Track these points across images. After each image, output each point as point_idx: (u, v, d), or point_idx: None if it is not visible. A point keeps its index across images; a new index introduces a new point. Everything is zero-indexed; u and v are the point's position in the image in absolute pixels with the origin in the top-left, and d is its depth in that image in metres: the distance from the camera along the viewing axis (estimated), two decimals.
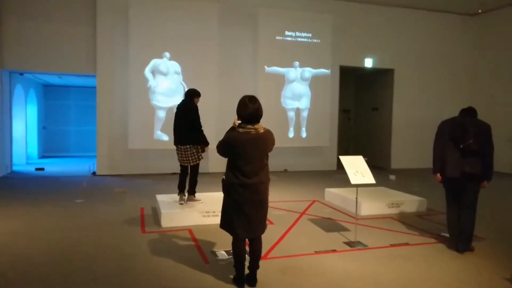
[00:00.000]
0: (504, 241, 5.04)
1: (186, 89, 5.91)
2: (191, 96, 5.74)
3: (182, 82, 9.78)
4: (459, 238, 4.55)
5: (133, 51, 9.50)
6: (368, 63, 11.86)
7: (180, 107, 5.73)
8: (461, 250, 4.51)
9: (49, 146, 14.23)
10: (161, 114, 9.68)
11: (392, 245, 4.75)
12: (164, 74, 9.68)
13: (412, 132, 12.22)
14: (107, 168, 9.90)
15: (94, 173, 9.91)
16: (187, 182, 5.89)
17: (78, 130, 14.69)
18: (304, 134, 11.04)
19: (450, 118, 4.74)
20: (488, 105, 12.41)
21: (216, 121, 9.53)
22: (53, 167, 11.19)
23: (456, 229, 4.60)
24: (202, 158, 5.76)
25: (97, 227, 5.35)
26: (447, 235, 5.09)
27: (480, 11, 12.36)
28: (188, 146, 5.59)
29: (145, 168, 10.09)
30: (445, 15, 12.51)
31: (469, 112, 4.63)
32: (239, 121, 3.42)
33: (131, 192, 7.75)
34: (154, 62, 9.62)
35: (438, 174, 4.69)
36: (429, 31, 12.39)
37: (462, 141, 4.40)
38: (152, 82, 9.57)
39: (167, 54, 9.69)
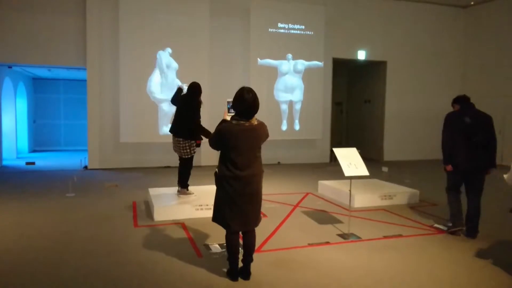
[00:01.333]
0: (495, 232, 5.07)
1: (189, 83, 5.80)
2: (196, 92, 5.59)
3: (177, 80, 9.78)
4: (469, 225, 4.78)
5: (123, 43, 9.38)
6: (361, 55, 11.85)
7: (184, 100, 5.63)
8: (472, 236, 4.75)
9: (40, 140, 14.07)
10: (165, 107, 9.62)
11: (385, 237, 4.76)
12: (167, 67, 9.62)
13: (404, 124, 12.27)
14: (99, 162, 9.81)
15: (85, 167, 9.81)
16: (178, 174, 5.90)
17: (69, 123, 14.53)
18: (297, 127, 11.02)
19: (455, 110, 4.83)
20: (478, 96, 12.46)
21: (208, 113, 9.43)
22: (43, 161, 11.07)
23: (461, 217, 4.82)
24: (194, 153, 5.74)
25: (88, 221, 5.29)
26: (440, 226, 5.15)
27: (472, 3, 12.38)
28: (181, 139, 5.59)
29: (137, 161, 10.01)
30: (437, 7, 12.52)
31: (468, 103, 4.77)
32: (230, 114, 3.38)
33: (123, 186, 7.69)
34: (159, 54, 9.60)
35: (450, 165, 4.77)
36: (422, 23, 12.39)
37: (473, 135, 4.58)
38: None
39: (169, 50, 9.61)
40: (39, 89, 14.13)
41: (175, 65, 9.73)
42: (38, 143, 14.01)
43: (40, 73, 12.70)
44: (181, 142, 5.58)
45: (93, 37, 9.54)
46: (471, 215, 4.78)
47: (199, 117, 5.62)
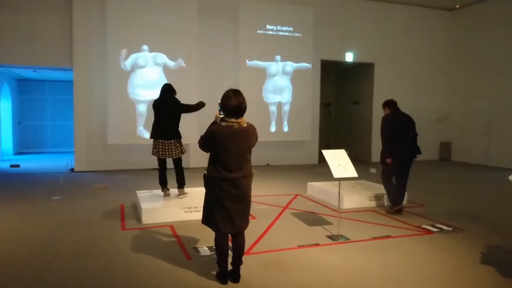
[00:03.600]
0: (482, 230, 5.14)
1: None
2: (173, 91, 5.78)
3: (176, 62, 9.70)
4: (399, 201, 5.91)
5: (111, 43, 9.28)
6: (349, 57, 11.92)
7: (166, 102, 5.67)
8: (400, 210, 5.90)
9: (25, 142, 13.85)
10: (142, 108, 9.51)
11: (374, 238, 4.78)
12: (142, 67, 9.51)
13: None
14: (86, 164, 9.69)
15: (72, 169, 9.67)
16: (176, 176, 5.87)
17: (55, 125, 14.34)
18: (285, 128, 11.03)
19: (391, 113, 5.86)
20: (463, 98, 12.67)
21: (197, 115, 9.38)
22: (29, 163, 10.89)
23: (400, 198, 5.93)
24: (185, 151, 5.84)
25: (75, 224, 5.21)
26: (428, 227, 5.22)
27: (457, 6, 12.56)
28: (172, 141, 5.65)
29: (125, 163, 9.91)
30: (424, 10, 12.67)
31: (397, 107, 5.91)
32: (221, 115, 3.37)
33: (111, 188, 7.60)
34: (133, 56, 9.43)
35: (390, 158, 5.76)
36: (409, 25, 12.53)
37: (409, 131, 5.80)
38: (126, 66, 9.39)
39: (145, 47, 9.51)
40: (24, 90, 13.91)
41: (157, 60, 9.60)
42: (23, 145, 13.78)
43: (25, 74, 12.51)
44: (173, 143, 5.65)
45: (80, 37, 9.43)
46: (402, 195, 5.97)
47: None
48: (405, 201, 6.69)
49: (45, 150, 14.10)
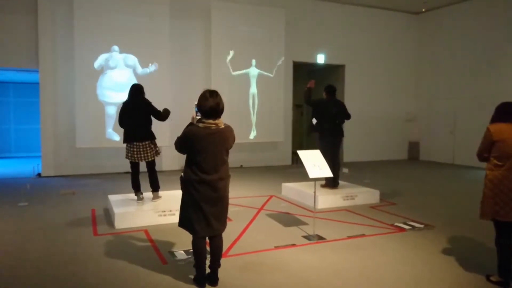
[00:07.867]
0: (451, 227, 5.31)
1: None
2: (142, 91, 5.65)
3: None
4: (336, 177, 6.72)
5: (78, 44, 8.98)
6: (320, 59, 12.07)
7: (136, 103, 5.54)
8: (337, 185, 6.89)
9: None
10: (111, 110, 9.27)
11: (349, 237, 4.85)
12: (112, 68, 9.27)
13: (362, 126, 12.57)
14: (53, 168, 9.35)
15: (39, 174, 9.32)
16: (149, 180, 5.75)
17: (19, 128, 13.77)
18: (253, 132, 11.06)
19: (325, 100, 6.83)
20: (430, 99, 13.09)
21: (170, 117, 9.25)
22: None
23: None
24: (160, 152, 5.77)
25: (43, 231, 5.01)
26: (401, 225, 5.35)
27: (423, 10, 12.96)
28: (147, 142, 5.54)
29: (95, 167, 9.63)
30: (392, 13, 13.00)
31: (334, 92, 6.88)
32: (198, 116, 3.32)
33: (81, 193, 7.37)
34: (102, 57, 9.19)
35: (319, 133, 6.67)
36: (377, 28, 12.82)
37: (336, 117, 6.61)
38: (97, 65, 9.16)
39: (116, 48, 9.28)
40: None
41: (127, 62, 9.41)
42: None
43: None
44: (147, 145, 5.54)
45: (46, 37, 9.09)
46: (337, 171, 6.71)
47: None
48: (377, 200, 6.86)
49: (9, 155, 13.53)
